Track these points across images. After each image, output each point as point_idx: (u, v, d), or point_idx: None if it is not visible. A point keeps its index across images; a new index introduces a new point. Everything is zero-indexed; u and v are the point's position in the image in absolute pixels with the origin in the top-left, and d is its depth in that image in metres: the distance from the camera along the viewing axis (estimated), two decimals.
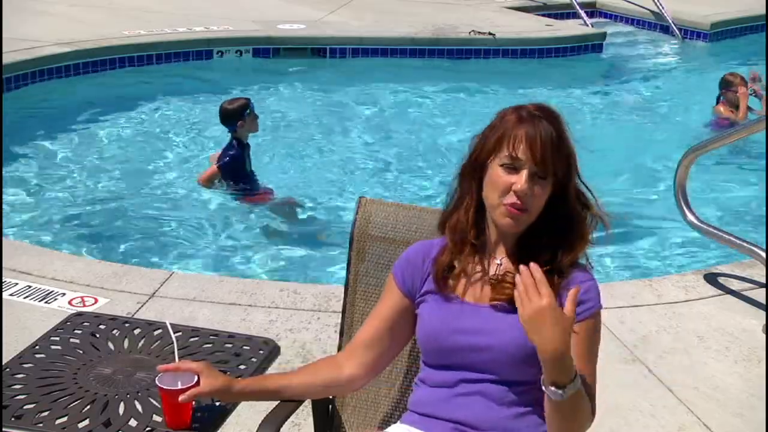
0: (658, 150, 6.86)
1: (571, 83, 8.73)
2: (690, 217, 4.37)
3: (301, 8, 9.95)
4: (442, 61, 9.02)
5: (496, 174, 1.92)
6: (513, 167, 1.91)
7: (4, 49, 7.29)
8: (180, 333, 2.25)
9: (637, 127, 7.65)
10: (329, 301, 3.92)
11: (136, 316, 3.63)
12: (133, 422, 1.93)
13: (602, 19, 11.37)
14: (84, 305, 3.79)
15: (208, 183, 5.65)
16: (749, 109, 7.19)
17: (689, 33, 10.53)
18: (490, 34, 9.10)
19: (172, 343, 2.06)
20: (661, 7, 10.64)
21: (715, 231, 4.37)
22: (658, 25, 10.81)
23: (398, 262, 2.10)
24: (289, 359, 3.44)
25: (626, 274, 4.95)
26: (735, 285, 4.27)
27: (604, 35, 9.82)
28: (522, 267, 1.79)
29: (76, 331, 2.28)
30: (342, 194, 5.97)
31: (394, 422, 2.15)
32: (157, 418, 1.94)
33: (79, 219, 5.44)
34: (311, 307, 3.89)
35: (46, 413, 1.95)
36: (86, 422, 1.93)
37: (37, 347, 2.21)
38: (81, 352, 2.19)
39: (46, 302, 3.83)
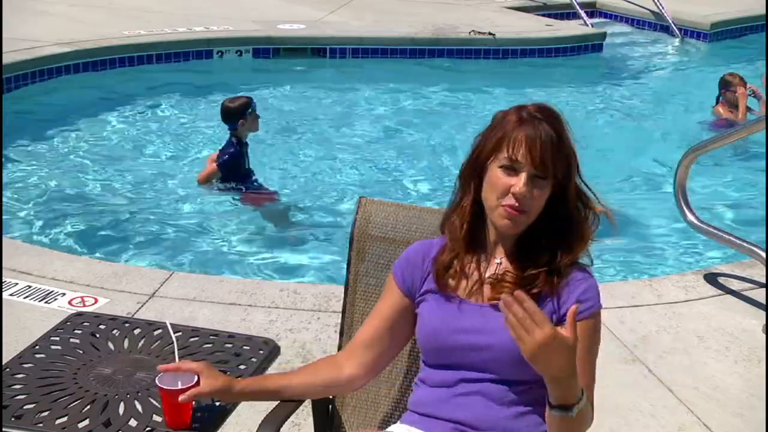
0: (658, 150, 6.86)
1: (571, 83, 8.73)
2: (690, 217, 4.37)
3: (301, 8, 9.95)
4: (442, 61, 9.01)
5: (496, 175, 1.92)
6: (512, 169, 1.91)
7: (4, 49, 7.29)
8: (180, 333, 2.24)
9: (637, 127, 7.65)
10: (329, 301, 3.92)
11: (136, 316, 3.63)
12: (133, 422, 1.93)
13: (602, 19, 11.37)
14: (84, 305, 3.79)
15: (208, 182, 5.65)
16: (748, 109, 7.19)
17: (689, 33, 10.53)
18: (490, 34, 9.10)
19: (172, 343, 2.06)
20: (661, 7, 10.64)
21: (715, 231, 4.37)
22: (658, 25, 10.81)
23: (398, 262, 2.10)
24: (289, 359, 3.44)
25: (626, 274, 4.95)
26: (735, 285, 4.27)
27: (604, 35, 9.81)
28: (505, 299, 1.70)
29: (76, 331, 2.28)
30: (342, 194, 5.97)
31: (394, 422, 2.15)
32: (157, 418, 1.94)
33: (79, 219, 5.44)
34: (311, 307, 3.89)
35: (46, 413, 1.95)
36: (86, 422, 1.93)
37: (37, 347, 2.21)
38: (81, 352, 2.19)
39: (46, 302, 3.83)
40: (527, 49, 9.24)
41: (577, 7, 10.67)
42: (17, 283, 3.98)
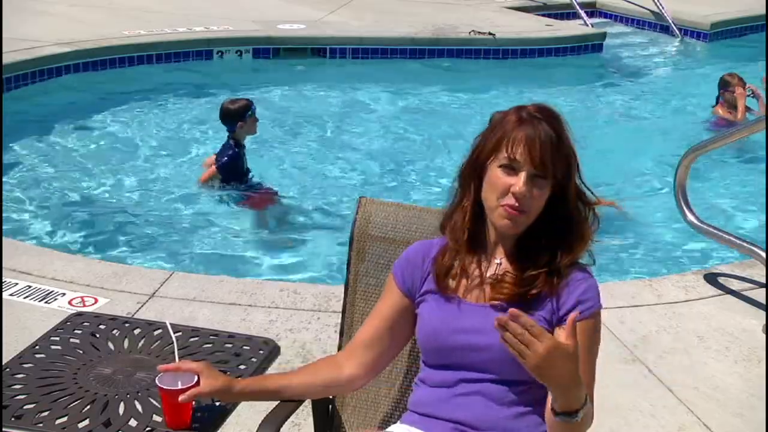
0: (658, 150, 6.86)
1: (571, 83, 8.73)
2: (690, 217, 4.38)
3: (301, 8, 9.95)
4: (442, 61, 9.01)
5: (495, 175, 1.92)
6: (512, 168, 1.91)
7: (4, 49, 7.29)
8: (180, 333, 2.24)
9: (636, 127, 7.65)
10: (329, 301, 3.92)
11: (136, 316, 3.63)
12: (133, 422, 1.93)
13: (602, 19, 11.37)
14: (84, 305, 3.79)
15: (207, 184, 5.66)
16: (748, 109, 7.19)
17: (689, 33, 10.53)
18: (490, 34, 9.10)
19: (172, 343, 2.06)
20: (661, 7, 10.65)
21: (715, 231, 4.37)
22: (658, 25, 10.81)
23: (398, 262, 2.10)
24: (289, 359, 3.44)
25: (626, 274, 4.95)
26: (735, 285, 4.27)
27: (604, 35, 9.81)
28: (500, 319, 1.68)
29: (76, 331, 2.28)
30: (342, 194, 5.97)
31: (394, 422, 2.15)
32: (157, 418, 1.94)
33: (79, 219, 5.44)
34: (311, 307, 3.89)
35: (46, 413, 1.95)
36: (86, 422, 1.93)
37: (37, 347, 2.21)
38: (81, 352, 2.19)
39: (46, 302, 3.83)
40: (527, 49, 9.24)
41: (577, 7, 10.67)
42: (17, 283, 3.98)
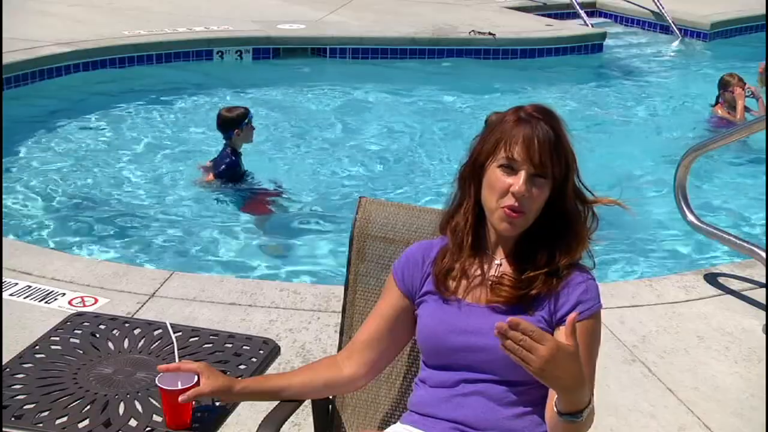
0: (658, 150, 6.86)
1: (571, 83, 8.73)
2: (690, 217, 4.37)
3: (301, 8, 9.95)
4: (442, 61, 9.01)
5: (495, 176, 1.93)
6: (511, 168, 1.91)
7: (4, 49, 7.29)
8: (180, 333, 2.24)
9: (636, 127, 7.65)
10: (329, 301, 3.92)
11: (136, 316, 3.63)
12: (133, 422, 1.93)
13: (602, 19, 11.37)
14: (84, 305, 3.79)
15: (206, 186, 5.67)
16: (747, 109, 7.20)
17: (689, 33, 10.53)
18: (490, 34, 9.10)
19: (172, 343, 2.06)
20: (661, 7, 10.65)
21: (715, 231, 4.37)
22: (658, 25, 10.81)
23: (398, 262, 2.10)
24: (289, 359, 3.44)
25: (626, 274, 4.95)
26: (735, 285, 4.27)
27: (604, 35, 9.82)
28: (499, 326, 1.64)
29: (76, 331, 2.28)
30: (342, 194, 5.97)
31: (394, 422, 2.15)
32: (157, 418, 1.94)
33: (79, 219, 5.44)
34: (311, 307, 3.89)
35: (46, 413, 1.95)
36: (86, 422, 1.92)
37: (37, 347, 2.21)
38: (81, 352, 2.18)
39: (46, 302, 3.83)
40: (527, 49, 9.24)
41: (577, 7, 10.68)
42: (17, 283, 3.98)
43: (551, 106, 1.98)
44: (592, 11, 11.38)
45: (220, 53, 8.57)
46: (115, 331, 2.28)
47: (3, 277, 3.97)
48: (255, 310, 3.85)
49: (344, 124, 7.40)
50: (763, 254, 4.02)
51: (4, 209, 5.24)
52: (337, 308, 2.47)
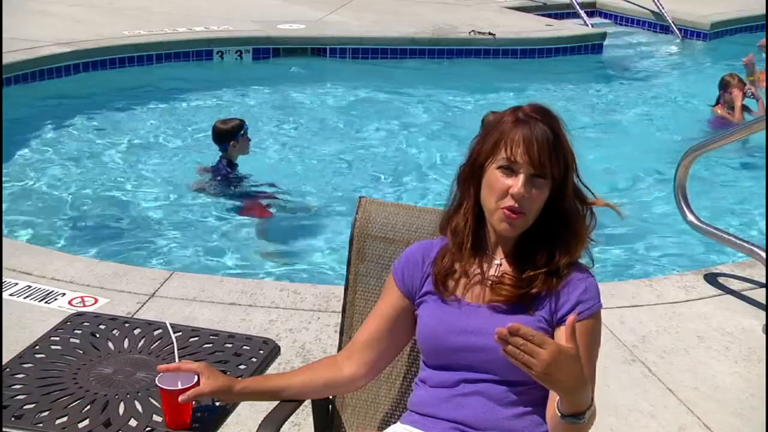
0: (658, 150, 6.86)
1: (571, 83, 8.73)
2: (690, 217, 4.38)
3: (301, 8, 9.95)
4: (442, 61, 9.02)
5: (494, 177, 1.93)
6: (510, 170, 1.91)
7: (4, 49, 7.29)
8: (180, 333, 2.24)
9: (636, 127, 7.65)
10: (329, 301, 3.92)
11: (136, 316, 3.63)
12: (133, 422, 1.93)
13: (602, 19, 11.37)
14: (84, 305, 3.79)
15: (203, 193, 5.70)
16: (747, 109, 7.20)
17: (689, 33, 10.53)
18: (490, 34, 9.10)
19: (172, 343, 2.06)
20: (661, 7, 10.65)
21: (715, 231, 4.37)
22: (658, 25, 10.81)
23: (398, 262, 2.10)
24: (289, 359, 3.44)
25: (626, 274, 4.95)
26: (735, 285, 4.27)
27: (604, 35, 9.82)
28: (499, 332, 1.65)
29: (76, 331, 2.28)
30: (342, 194, 5.97)
31: (394, 422, 2.15)
32: (157, 418, 1.94)
33: (79, 219, 5.44)
34: (311, 307, 3.89)
35: (46, 413, 1.95)
36: (86, 422, 1.92)
37: (37, 347, 2.21)
38: (81, 352, 2.18)
39: (46, 302, 3.83)
40: (527, 49, 9.24)
41: (577, 7, 10.68)
42: (17, 283, 3.98)
43: (549, 105, 1.98)
44: (592, 11, 11.38)
45: (220, 53, 8.57)
46: (115, 331, 2.28)
47: (3, 277, 3.97)
48: (255, 310, 3.85)
49: (344, 124, 7.40)
50: (763, 254, 4.02)
51: (4, 209, 5.24)
52: (337, 308, 2.47)
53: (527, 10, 10.83)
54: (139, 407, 1.98)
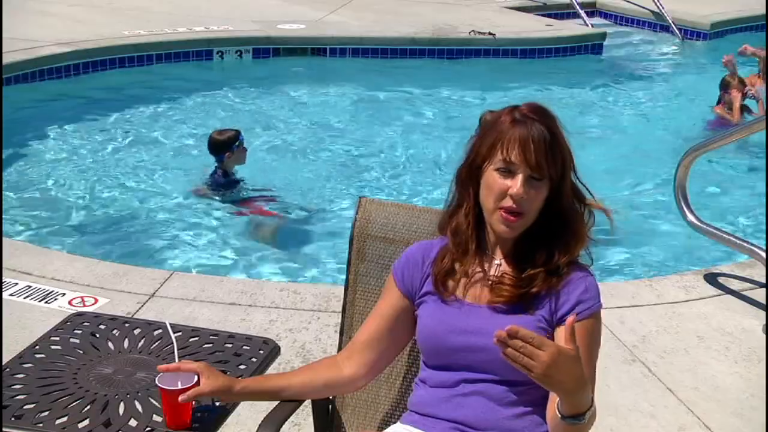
0: (658, 150, 6.86)
1: (571, 83, 8.73)
2: (690, 217, 4.38)
3: (301, 8, 9.95)
4: (442, 61, 9.02)
5: (492, 179, 1.93)
6: (508, 171, 1.91)
7: (4, 49, 7.29)
8: (180, 333, 2.24)
9: (636, 127, 7.65)
10: (329, 301, 3.92)
11: (136, 316, 3.63)
12: (133, 422, 1.93)
13: (602, 19, 11.37)
14: (84, 305, 3.79)
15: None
16: (747, 109, 7.20)
17: (689, 33, 10.53)
18: (490, 34, 9.10)
19: (172, 343, 2.06)
20: (661, 7, 10.64)
21: (715, 231, 4.37)
22: (658, 25, 10.81)
23: (398, 262, 2.10)
24: (289, 359, 3.44)
25: (626, 274, 4.95)
26: (735, 285, 4.27)
27: (604, 35, 9.82)
28: (498, 335, 1.64)
29: (76, 331, 2.28)
30: (342, 194, 5.97)
31: (394, 422, 2.15)
32: (157, 418, 1.94)
33: (79, 219, 5.44)
34: (311, 307, 3.89)
35: (46, 413, 1.95)
36: (86, 422, 1.92)
37: (37, 347, 2.21)
38: (81, 352, 2.18)
39: (46, 302, 3.83)
40: (527, 49, 9.24)
41: (577, 7, 10.68)
42: (17, 283, 3.98)
43: (546, 104, 1.98)
44: (592, 11, 11.38)
45: (220, 53, 8.57)
46: (115, 331, 2.28)
47: (3, 277, 3.97)
48: (255, 310, 3.85)
49: (344, 124, 7.40)
50: (763, 254, 4.02)
51: (4, 209, 5.24)
52: (337, 308, 2.47)
53: (527, 10, 10.83)
54: (139, 407, 1.98)
